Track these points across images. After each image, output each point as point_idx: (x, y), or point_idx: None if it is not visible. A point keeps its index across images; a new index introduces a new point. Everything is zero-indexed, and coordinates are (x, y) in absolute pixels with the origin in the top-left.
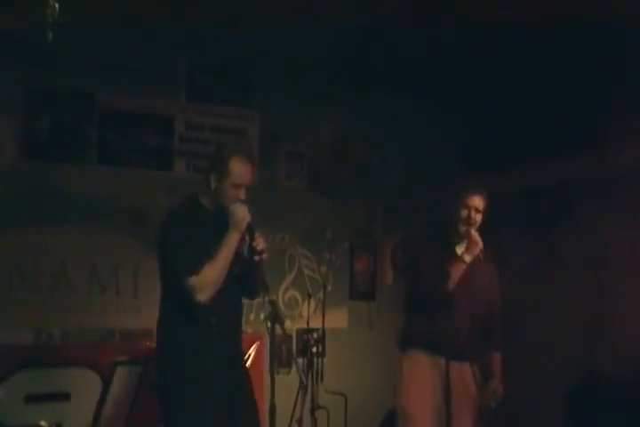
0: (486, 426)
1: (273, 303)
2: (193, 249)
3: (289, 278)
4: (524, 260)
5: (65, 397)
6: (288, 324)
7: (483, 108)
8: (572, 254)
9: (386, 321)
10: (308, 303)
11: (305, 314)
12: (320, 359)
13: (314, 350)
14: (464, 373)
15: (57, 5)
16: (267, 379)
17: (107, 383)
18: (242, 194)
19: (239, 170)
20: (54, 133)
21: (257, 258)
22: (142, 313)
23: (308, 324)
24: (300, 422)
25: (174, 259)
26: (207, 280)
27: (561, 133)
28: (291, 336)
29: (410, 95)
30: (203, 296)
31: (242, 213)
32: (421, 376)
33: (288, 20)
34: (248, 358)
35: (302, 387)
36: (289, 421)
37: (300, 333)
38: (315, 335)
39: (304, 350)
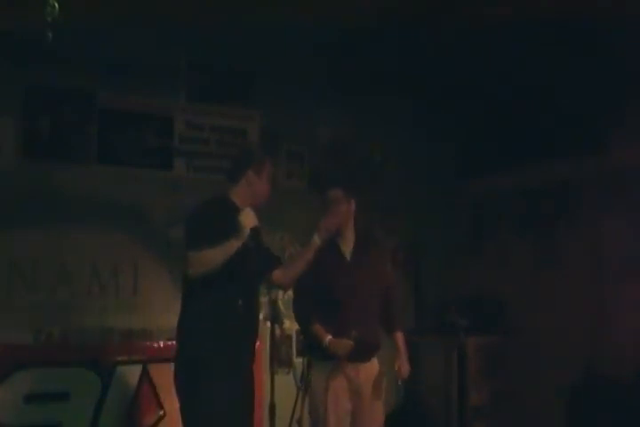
0: (484, 425)
1: (273, 304)
2: (206, 231)
3: None
4: (524, 260)
5: (64, 397)
6: (288, 324)
7: (483, 108)
8: (572, 254)
9: None
10: None
11: None
12: None
13: None
14: (372, 368)
15: (57, 5)
16: (267, 379)
17: (106, 383)
18: None
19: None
20: (54, 133)
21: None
22: (142, 313)
23: None
24: (299, 422)
25: (187, 232)
26: (201, 259)
27: (561, 133)
28: (290, 336)
29: (410, 95)
30: (191, 270)
31: (247, 221)
32: (334, 386)
33: (288, 19)
34: None
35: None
36: (289, 421)
37: (300, 333)
38: None
39: (304, 350)
